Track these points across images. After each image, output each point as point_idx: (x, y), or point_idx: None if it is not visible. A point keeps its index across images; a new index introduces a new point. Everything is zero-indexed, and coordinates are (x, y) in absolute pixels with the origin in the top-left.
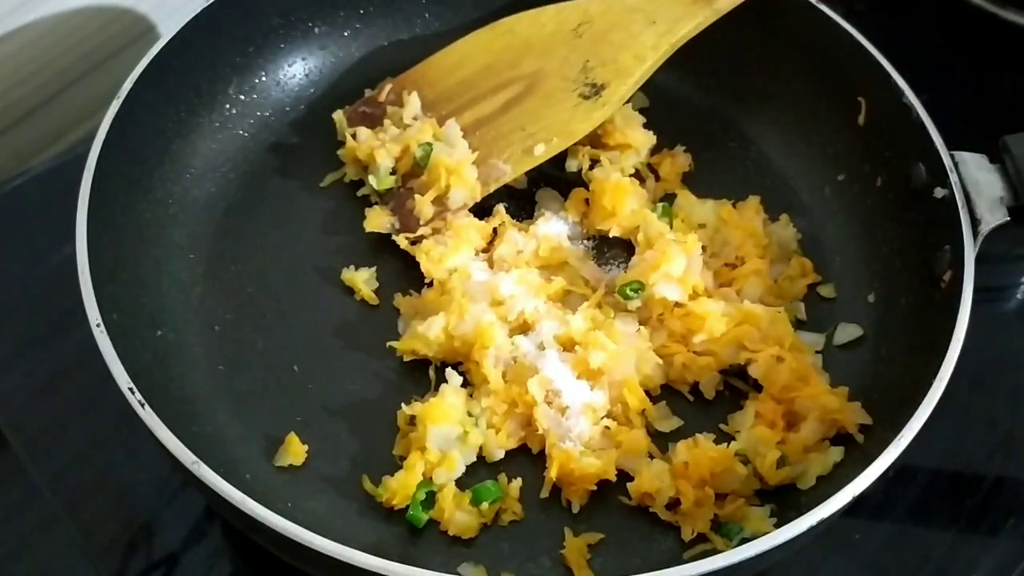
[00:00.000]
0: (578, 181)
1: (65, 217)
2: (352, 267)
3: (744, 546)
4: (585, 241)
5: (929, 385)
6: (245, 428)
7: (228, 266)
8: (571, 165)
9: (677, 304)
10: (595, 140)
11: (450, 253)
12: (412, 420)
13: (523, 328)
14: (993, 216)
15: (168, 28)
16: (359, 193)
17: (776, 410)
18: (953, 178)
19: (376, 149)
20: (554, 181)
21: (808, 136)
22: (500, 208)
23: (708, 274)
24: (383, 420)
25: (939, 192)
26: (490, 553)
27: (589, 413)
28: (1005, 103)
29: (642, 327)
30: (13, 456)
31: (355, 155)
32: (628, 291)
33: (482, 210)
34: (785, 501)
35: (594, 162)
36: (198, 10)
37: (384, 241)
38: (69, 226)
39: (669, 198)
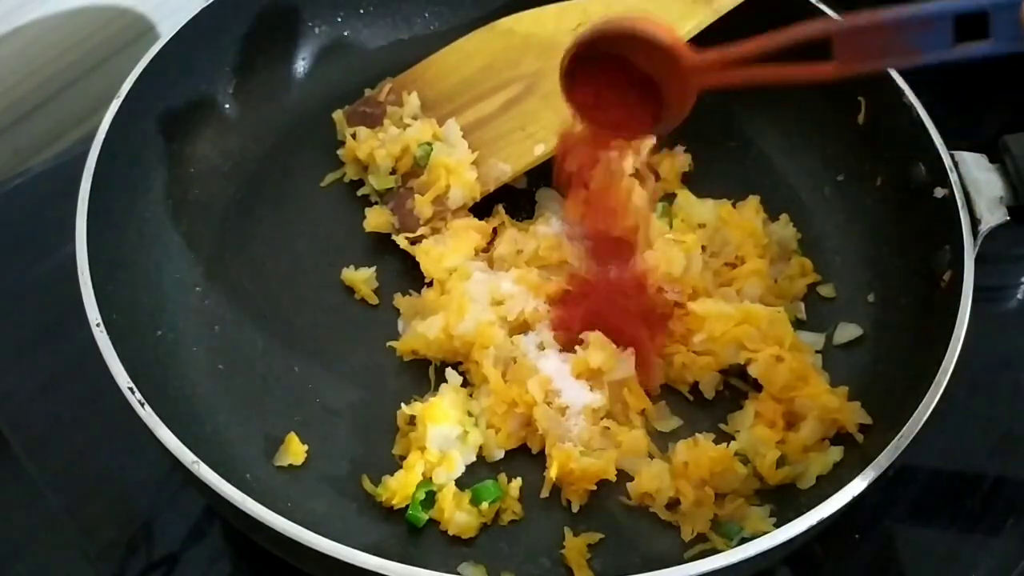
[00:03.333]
0: None
1: (65, 217)
2: (352, 267)
3: (744, 546)
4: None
5: (929, 385)
6: (245, 428)
7: (228, 266)
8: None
9: (677, 304)
10: None
11: (450, 253)
12: (412, 420)
13: (523, 328)
14: (993, 216)
15: (168, 28)
16: (359, 193)
17: (776, 410)
18: (953, 178)
19: (376, 149)
20: None
21: (808, 136)
22: (500, 208)
23: (708, 274)
24: (383, 420)
25: (939, 192)
26: (490, 553)
27: (589, 413)
28: (1005, 103)
29: None
30: (13, 456)
31: (355, 155)
32: None
33: (482, 210)
34: (785, 501)
35: None
36: (198, 10)
37: (384, 241)
38: (69, 226)
39: (669, 198)
